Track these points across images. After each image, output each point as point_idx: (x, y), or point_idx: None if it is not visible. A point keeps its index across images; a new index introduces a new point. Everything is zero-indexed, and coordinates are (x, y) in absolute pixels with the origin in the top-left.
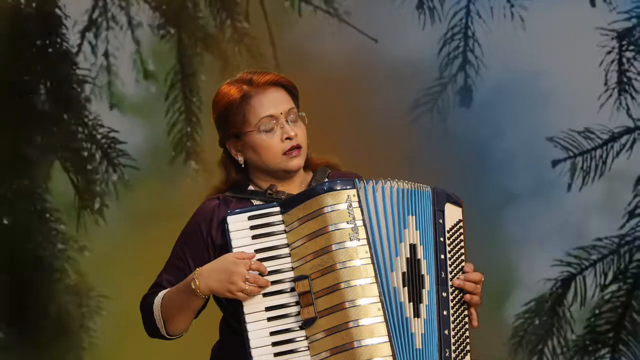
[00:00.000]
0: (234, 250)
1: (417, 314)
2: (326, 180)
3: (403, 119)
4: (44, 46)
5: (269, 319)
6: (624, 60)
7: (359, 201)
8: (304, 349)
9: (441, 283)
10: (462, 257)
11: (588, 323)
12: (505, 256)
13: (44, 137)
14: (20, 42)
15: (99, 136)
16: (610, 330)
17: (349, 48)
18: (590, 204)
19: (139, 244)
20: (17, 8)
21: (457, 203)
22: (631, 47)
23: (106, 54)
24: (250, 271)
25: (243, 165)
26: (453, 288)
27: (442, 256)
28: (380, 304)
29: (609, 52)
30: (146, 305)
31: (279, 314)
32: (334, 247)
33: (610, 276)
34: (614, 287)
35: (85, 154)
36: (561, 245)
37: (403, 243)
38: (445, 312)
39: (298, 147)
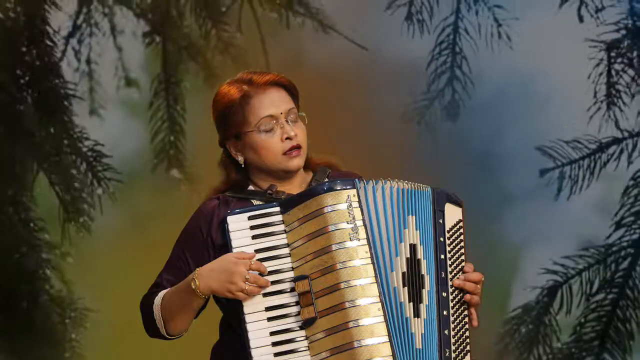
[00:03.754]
0: (234, 250)
1: (417, 314)
2: (326, 180)
3: (401, 120)
4: (31, 57)
5: (269, 319)
6: (613, 72)
7: (359, 201)
8: (304, 349)
9: (441, 283)
10: (462, 257)
11: (574, 331)
12: (505, 256)
13: (29, 148)
14: (6, 52)
15: (84, 149)
16: (596, 339)
17: (339, 56)
18: (580, 210)
19: (124, 253)
20: (4, 18)
21: (457, 203)
22: (619, 60)
23: (88, 61)
24: (250, 271)
25: (243, 165)
26: (453, 288)
27: (442, 256)
28: (380, 304)
29: (598, 65)
30: (146, 305)
31: (279, 314)
32: (334, 247)
33: (596, 285)
34: (599, 296)
35: (71, 167)
36: (552, 252)
37: (403, 243)
38: (445, 312)
39: (298, 147)
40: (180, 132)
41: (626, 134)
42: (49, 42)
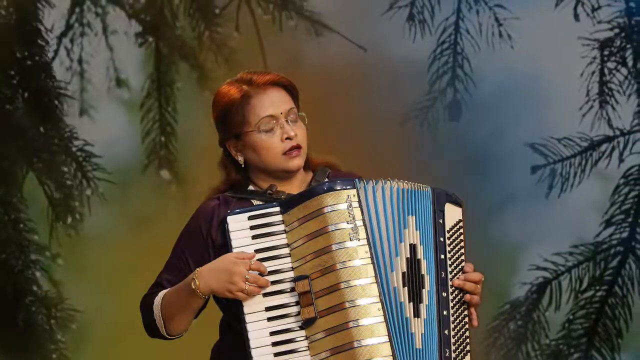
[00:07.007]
0: (234, 250)
1: (417, 314)
2: (326, 180)
3: (401, 120)
4: (22, 57)
5: (269, 319)
6: (606, 70)
7: (359, 201)
8: (304, 349)
9: (441, 283)
10: (462, 257)
11: (562, 328)
12: (505, 256)
13: (19, 148)
14: None
15: (74, 149)
16: (584, 336)
17: (339, 56)
18: (572, 208)
19: (114, 254)
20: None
21: (457, 203)
22: (612, 58)
23: (80, 60)
24: (250, 271)
25: (243, 165)
26: (453, 288)
27: (442, 256)
28: (380, 304)
29: (590, 63)
30: (146, 305)
31: (279, 314)
32: (334, 247)
33: (585, 283)
34: (589, 293)
35: (61, 167)
36: (546, 250)
37: (403, 243)
38: (445, 312)
39: (298, 147)
40: (172, 133)
41: (617, 132)
42: (41, 41)
